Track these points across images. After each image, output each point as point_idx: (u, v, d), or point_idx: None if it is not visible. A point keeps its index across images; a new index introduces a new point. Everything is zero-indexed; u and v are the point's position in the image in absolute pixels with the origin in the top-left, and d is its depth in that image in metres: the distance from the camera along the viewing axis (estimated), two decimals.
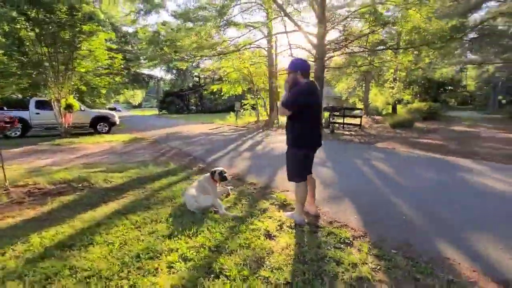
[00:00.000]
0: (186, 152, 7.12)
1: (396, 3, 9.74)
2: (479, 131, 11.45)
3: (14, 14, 8.71)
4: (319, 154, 6.41)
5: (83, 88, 14.11)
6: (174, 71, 42.50)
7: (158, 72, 53.55)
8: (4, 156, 6.78)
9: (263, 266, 1.90)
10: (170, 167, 5.17)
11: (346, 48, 12.70)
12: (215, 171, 3.26)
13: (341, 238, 2.31)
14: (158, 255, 1.99)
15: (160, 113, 40.67)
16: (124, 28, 29.12)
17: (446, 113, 20.92)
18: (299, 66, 2.58)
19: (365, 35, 10.41)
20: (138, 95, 46.85)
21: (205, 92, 46.22)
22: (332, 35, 13.84)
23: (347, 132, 11.27)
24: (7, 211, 2.81)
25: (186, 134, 11.46)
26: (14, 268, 1.83)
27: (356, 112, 17.52)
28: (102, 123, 11.91)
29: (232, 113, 20.37)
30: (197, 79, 49.15)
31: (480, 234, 2.41)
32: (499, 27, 19.27)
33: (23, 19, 8.90)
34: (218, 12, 10.15)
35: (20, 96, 15.63)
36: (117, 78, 17.95)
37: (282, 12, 12.66)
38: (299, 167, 2.60)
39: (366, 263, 1.93)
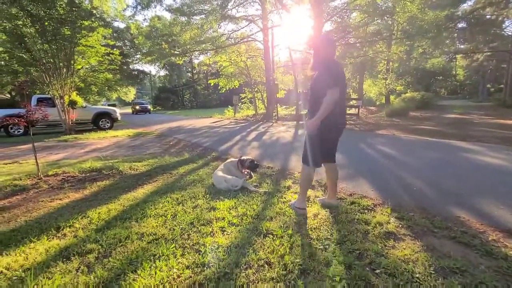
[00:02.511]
0: (195, 143, 7.34)
1: None
2: (471, 117, 11.95)
3: (14, 10, 8.66)
4: None
5: (81, 85, 14.12)
6: (168, 67, 42.15)
7: (152, 68, 52.88)
8: (16, 153, 6.91)
9: (302, 227, 2.18)
10: (185, 157, 5.39)
11: (342, 40, 12.97)
12: (244, 160, 3.55)
13: (363, 206, 2.61)
14: (209, 222, 2.26)
15: (155, 109, 40.42)
16: (116, 24, 28.82)
17: (437, 102, 21.51)
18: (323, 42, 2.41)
19: (363, 26, 10.68)
20: (131, 92, 46.27)
21: (199, 88, 46.18)
22: (329, 26, 14.05)
23: (346, 122, 11.61)
24: (53, 195, 3.02)
25: (189, 128, 11.63)
26: (85, 236, 2.07)
27: (353, 102, 17.86)
28: (104, 119, 11.98)
29: (230, 107, 20.52)
30: (190, 74, 48.91)
31: (483, 199, 2.74)
32: (487, 17, 19.80)
33: (21, 14, 8.86)
34: (219, 6, 10.24)
35: (9, 95, 15.47)
36: (109, 75, 17.89)
37: (279, 4, 12.81)
38: None
39: (390, 223, 2.24)
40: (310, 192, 3.00)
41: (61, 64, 9.73)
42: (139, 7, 12.50)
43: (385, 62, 20.31)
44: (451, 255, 1.74)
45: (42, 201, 2.86)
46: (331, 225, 2.21)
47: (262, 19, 15.07)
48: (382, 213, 2.43)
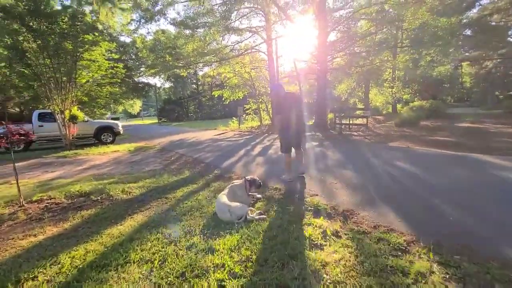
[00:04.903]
0: (197, 159, 6.95)
1: (396, 3, 9.70)
2: (486, 126, 11.37)
3: (16, 26, 8.59)
4: (336, 157, 6.24)
5: (85, 98, 14.01)
6: (173, 79, 42.45)
7: (157, 80, 53.52)
8: (10, 171, 6.60)
9: (322, 279, 1.72)
10: (185, 175, 4.99)
11: (347, 49, 12.67)
12: (254, 180, 3.26)
13: (394, 244, 2.14)
14: (204, 272, 1.81)
15: (160, 121, 40.48)
16: (122, 38, 29.22)
17: (446, 110, 20.87)
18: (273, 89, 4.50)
19: (370, 35, 10.34)
20: (136, 104, 46.65)
21: (204, 99, 46.35)
22: (334, 36, 13.83)
23: (355, 133, 11.15)
24: (28, 229, 2.62)
25: (192, 141, 11.30)
26: None
27: (359, 112, 17.37)
28: (106, 133, 11.74)
29: (234, 119, 20.25)
30: (195, 86, 49.24)
31: None
32: (493, 23, 19.38)
33: (24, 30, 8.79)
34: (221, 16, 10.05)
35: (18, 109, 15.52)
36: (116, 88, 17.92)
37: (283, 15, 12.65)
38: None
39: (434, 272, 1.76)
40: (326, 224, 2.54)
41: (64, 78, 9.57)
42: (142, 21, 12.42)
43: (391, 71, 19.98)
44: None
45: (13, 238, 2.45)
46: (358, 276, 1.75)
47: (266, 30, 14.94)
48: (420, 256, 1.96)
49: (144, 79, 35.71)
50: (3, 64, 8.98)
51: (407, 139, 8.59)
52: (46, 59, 9.09)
